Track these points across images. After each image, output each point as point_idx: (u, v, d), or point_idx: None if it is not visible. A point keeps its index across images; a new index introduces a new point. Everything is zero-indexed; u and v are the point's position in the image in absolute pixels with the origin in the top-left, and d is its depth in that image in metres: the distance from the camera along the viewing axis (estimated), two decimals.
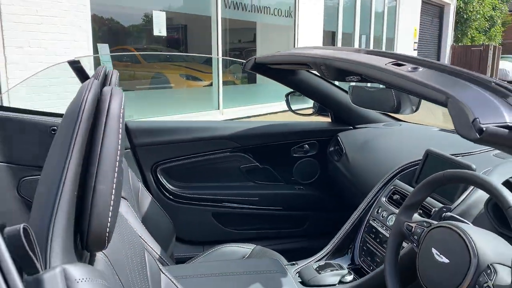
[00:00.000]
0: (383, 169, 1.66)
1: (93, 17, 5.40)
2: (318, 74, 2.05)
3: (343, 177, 1.95)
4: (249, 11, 8.35)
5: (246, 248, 1.66)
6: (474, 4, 19.62)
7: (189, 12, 7.48)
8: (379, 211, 1.48)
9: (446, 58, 17.16)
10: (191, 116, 6.98)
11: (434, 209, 1.26)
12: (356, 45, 10.89)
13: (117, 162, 0.66)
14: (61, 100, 4.94)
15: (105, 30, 6.28)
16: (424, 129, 1.94)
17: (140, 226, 1.38)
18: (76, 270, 0.53)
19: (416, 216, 1.15)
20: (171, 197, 2.01)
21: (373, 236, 1.45)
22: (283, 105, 7.98)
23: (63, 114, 1.94)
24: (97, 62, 5.81)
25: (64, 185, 0.61)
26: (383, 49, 12.49)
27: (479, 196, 1.23)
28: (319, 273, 1.38)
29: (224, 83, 8.33)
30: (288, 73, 1.91)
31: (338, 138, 2.04)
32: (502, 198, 0.92)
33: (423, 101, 1.63)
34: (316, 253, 1.54)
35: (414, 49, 14.38)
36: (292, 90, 2.21)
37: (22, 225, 0.46)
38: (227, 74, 9.76)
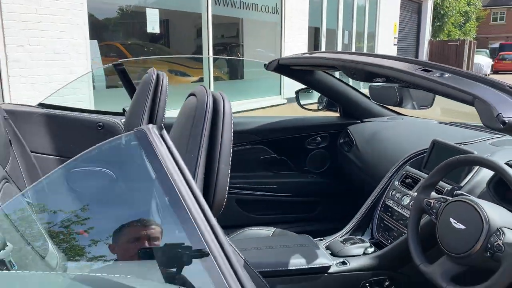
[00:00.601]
0: (392, 157, 1.90)
1: (90, 15, 5.49)
2: (330, 73, 2.28)
3: (354, 166, 2.18)
4: (237, 7, 8.52)
5: (267, 231, 1.87)
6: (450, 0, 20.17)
7: (180, 9, 7.60)
8: (393, 193, 1.71)
9: (424, 52, 17.65)
10: None
11: (446, 188, 1.49)
12: (340, 40, 11.17)
13: (231, 149, 0.87)
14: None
15: (101, 27, 6.37)
16: (424, 122, 2.18)
17: None
18: None
19: (433, 194, 1.38)
20: None
21: (389, 214, 1.68)
22: (271, 101, 8.21)
23: (106, 112, 2.12)
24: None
25: (198, 168, 0.82)
26: (365, 43, 12.75)
27: (482, 177, 1.47)
28: (345, 246, 1.60)
29: (214, 78, 8.49)
30: (306, 73, 2.12)
31: (348, 131, 2.27)
32: (508, 177, 1.16)
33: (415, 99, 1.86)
34: (330, 234, 1.77)
35: (394, 44, 14.78)
36: (303, 87, 2.43)
37: None
38: (214, 69, 9.89)
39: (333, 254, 1.59)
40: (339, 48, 11.20)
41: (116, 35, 9.29)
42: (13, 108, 1.75)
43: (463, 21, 24.52)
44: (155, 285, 0.63)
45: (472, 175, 1.50)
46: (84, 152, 0.68)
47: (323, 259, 1.50)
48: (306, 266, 1.47)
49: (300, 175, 2.39)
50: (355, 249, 1.60)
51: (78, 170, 0.73)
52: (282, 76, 7.45)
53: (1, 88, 4.70)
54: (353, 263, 1.52)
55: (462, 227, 1.21)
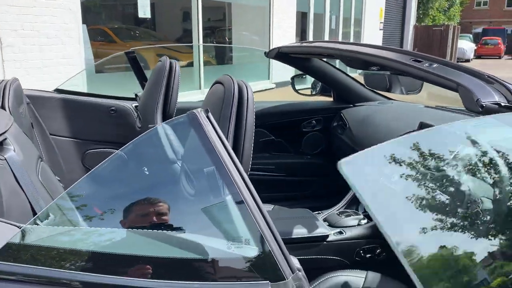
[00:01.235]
0: (382, 139, 2.07)
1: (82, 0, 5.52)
2: (324, 61, 2.43)
3: (347, 147, 2.34)
4: None
5: (267, 208, 2.04)
6: None
7: None
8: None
9: (409, 37, 17.85)
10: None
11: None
12: (327, 26, 11.29)
13: (253, 130, 1.02)
14: None
15: (90, 12, 6.38)
16: (412, 106, 2.35)
17: None
18: None
19: None
20: None
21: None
22: (259, 85, 8.29)
23: (118, 97, 2.23)
24: None
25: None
26: (351, 28, 12.84)
27: None
28: (341, 218, 1.78)
29: (203, 63, 8.54)
30: (304, 60, 2.27)
31: (341, 114, 2.43)
32: None
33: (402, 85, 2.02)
34: (326, 209, 1.93)
35: (380, 29, 14.93)
36: (298, 73, 2.58)
37: None
38: (204, 53, 9.93)
39: (330, 225, 1.76)
40: (326, 33, 11.33)
41: (105, 20, 9.26)
42: (31, 93, 1.86)
43: (447, 6, 24.75)
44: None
45: (458, 152, 1.68)
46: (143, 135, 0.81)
47: (322, 229, 1.67)
48: (307, 235, 1.64)
49: (296, 156, 2.55)
50: (350, 220, 1.78)
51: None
52: (271, 61, 7.65)
53: None
54: (349, 233, 1.70)
55: (446, 198, 1.39)
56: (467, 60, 24.48)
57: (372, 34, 14.18)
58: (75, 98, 1.90)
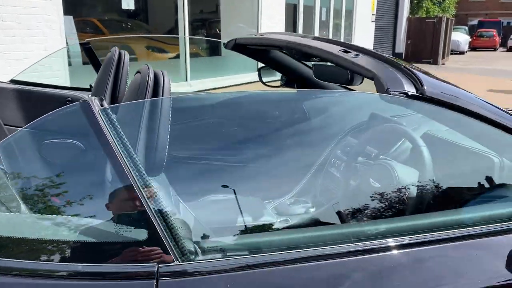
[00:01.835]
0: (338, 129, 2.11)
1: None
2: (285, 52, 2.45)
3: (306, 137, 2.38)
4: None
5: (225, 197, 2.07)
6: None
7: None
8: (335, 161, 1.93)
9: (402, 30, 17.83)
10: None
11: (373, 154, 1.71)
12: (317, 17, 11.27)
13: (169, 116, 1.05)
14: None
15: (77, 3, 6.37)
16: (367, 95, 2.39)
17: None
18: None
19: (359, 159, 1.60)
20: None
21: (330, 180, 1.90)
22: (246, 77, 8.33)
23: (74, 87, 2.25)
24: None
25: (141, 133, 1.00)
26: (342, 20, 12.83)
27: (407, 146, 1.69)
28: (290, 207, 1.82)
29: (191, 55, 8.54)
30: (263, 52, 2.29)
31: (303, 105, 2.46)
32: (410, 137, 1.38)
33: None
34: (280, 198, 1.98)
35: (372, 21, 14.91)
36: (265, 65, 2.60)
37: None
38: (191, 45, 9.91)
39: (279, 214, 1.80)
40: (317, 25, 11.32)
41: (92, 11, 9.22)
42: None
43: None
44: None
45: (399, 144, 1.72)
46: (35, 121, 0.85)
47: (267, 217, 1.72)
48: (252, 223, 1.69)
49: (259, 146, 2.58)
50: (298, 208, 1.82)
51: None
52: None
53: None
54: (294, 220, 1.74)
55: (378, 185, 1.43)
56: (462, 52, 24.50)
57: (364, 26, 14.17)
58: (30, 88, 1.93)
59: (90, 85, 2.14)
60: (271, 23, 9.32)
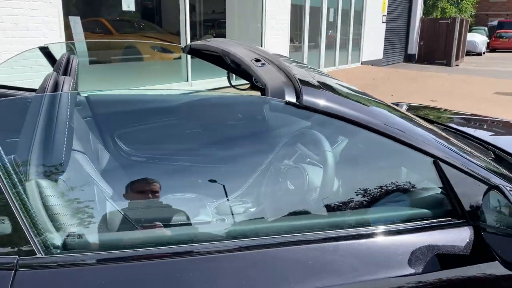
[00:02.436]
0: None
1: None
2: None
3: (264, 139, 2.45)
4: None
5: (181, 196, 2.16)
6: None
7: None
8: (278, 164, 2.00)
9: (415, 31, 17.65)
10: (162, 88, 7.34)
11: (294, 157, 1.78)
12: (324, 18, 11.27)
13: (66, 123, 1.14)
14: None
15: (76, 5, 6.54)
16: None
17: (96, 172, 1.87)
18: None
19: (285, 161, 1.66)
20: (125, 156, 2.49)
21: (272, 181, 1.97)
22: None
23: (35, 89, 2.35)
24: (70, 35, 6.12)
25: (35, 136, 1.09)
26: (351, 21, 12.75)
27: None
28: (231, 207, 1.89)
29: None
30: (217, 57, 2.37)
31: (263, 108, 2.53)
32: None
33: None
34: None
35: (383, 22, 14.81)
36: None
37: None
38: None
39: (218, 213, 1.88)
40: (324, 26, 11.31)
41: (104, 12, 9.42)
42: None
43: None
44: None
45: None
46: None
47: (203, 216, 1.80)
48: (187, 222, 1.76)
49: (223, 146, 2.66)
50: (238, 208, 1.90)
51: None
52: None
53: None
54: (230, 220, 1.81)
55: (293, 187, 1.50)
56: (479, 54, 24.05)
57: (374, 27, 14.08)
58: None
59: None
60: (275, 23, 9.37)
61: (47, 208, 1.05)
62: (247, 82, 2.89)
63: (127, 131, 2.47)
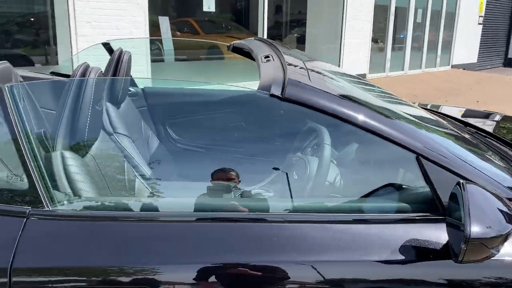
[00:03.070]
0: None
1: None
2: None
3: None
4: None
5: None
6: None
7: None
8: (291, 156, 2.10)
9: None
10: (243, 85, 7.64)
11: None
12: (411, 19, 10.87)
13: (88, 110, 1.36)
14: None
15: (160, 6, 7.06)
16: None
17: (138, 154, 2.11)
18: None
19: (298, 154, 1.77)
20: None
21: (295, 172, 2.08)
22: None
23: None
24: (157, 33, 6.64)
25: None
26: (442, 22, 12.11)
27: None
28: (252, 194, 2.03)
29: None
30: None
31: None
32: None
33: None
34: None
35: (479, 23, 13.87)
36: None
37: None
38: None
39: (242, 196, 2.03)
40: (410, 27, 10.93)
41: (187, 12, 10.00)
42: (27, 74, 2.39)
43: None
44: None
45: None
46: None
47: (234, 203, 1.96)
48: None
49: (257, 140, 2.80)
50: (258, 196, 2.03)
51: None
52: (342, 54, 8.03)
53: (71, 59, 5.56)
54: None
55: (296, 177, 1.60)
56: None
57: (468, 29, 13.24)
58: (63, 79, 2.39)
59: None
60: (356, 24, 9.26)
61: (67, 174, 1.28)
62: None
63: (178, 121, 2.71)
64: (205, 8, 6.91)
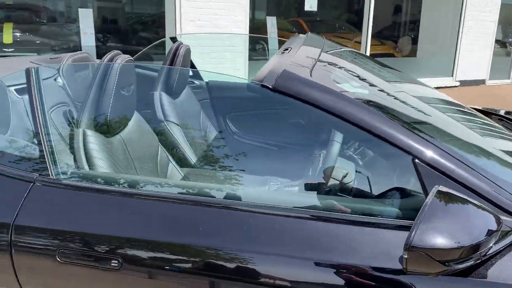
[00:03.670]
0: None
1: None
2: None
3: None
4: None
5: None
6: None
7: None
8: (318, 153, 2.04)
9: None
10: None
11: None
12: None
13: (113, 91, 1.49)
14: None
15: (261, 6, 7.25)
16: None
17: (185, 143, 2.24)
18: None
19: None
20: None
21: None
22: (440, 81, 7.82)
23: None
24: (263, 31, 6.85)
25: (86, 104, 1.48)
26: None
27: None
28: (285, 189, 2.03)
29: (380, 55, 8.56)
30: None
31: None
32: None
33: None
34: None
35: None
36: None
37: None
38: (385, 46, 9.83)
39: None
40: None
41: (292, 12, 10.10)
42: None
43: None
44: None
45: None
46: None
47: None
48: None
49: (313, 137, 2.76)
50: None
51: None
52: (457, 56, 7.65)
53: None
54: None
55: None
56: None
57: None
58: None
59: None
60: (475, 24, 8.48)
61: (86, 150, 1.44)
62: None
63: (238, 115, 2.80)
64: (306, 8, 6.92)
